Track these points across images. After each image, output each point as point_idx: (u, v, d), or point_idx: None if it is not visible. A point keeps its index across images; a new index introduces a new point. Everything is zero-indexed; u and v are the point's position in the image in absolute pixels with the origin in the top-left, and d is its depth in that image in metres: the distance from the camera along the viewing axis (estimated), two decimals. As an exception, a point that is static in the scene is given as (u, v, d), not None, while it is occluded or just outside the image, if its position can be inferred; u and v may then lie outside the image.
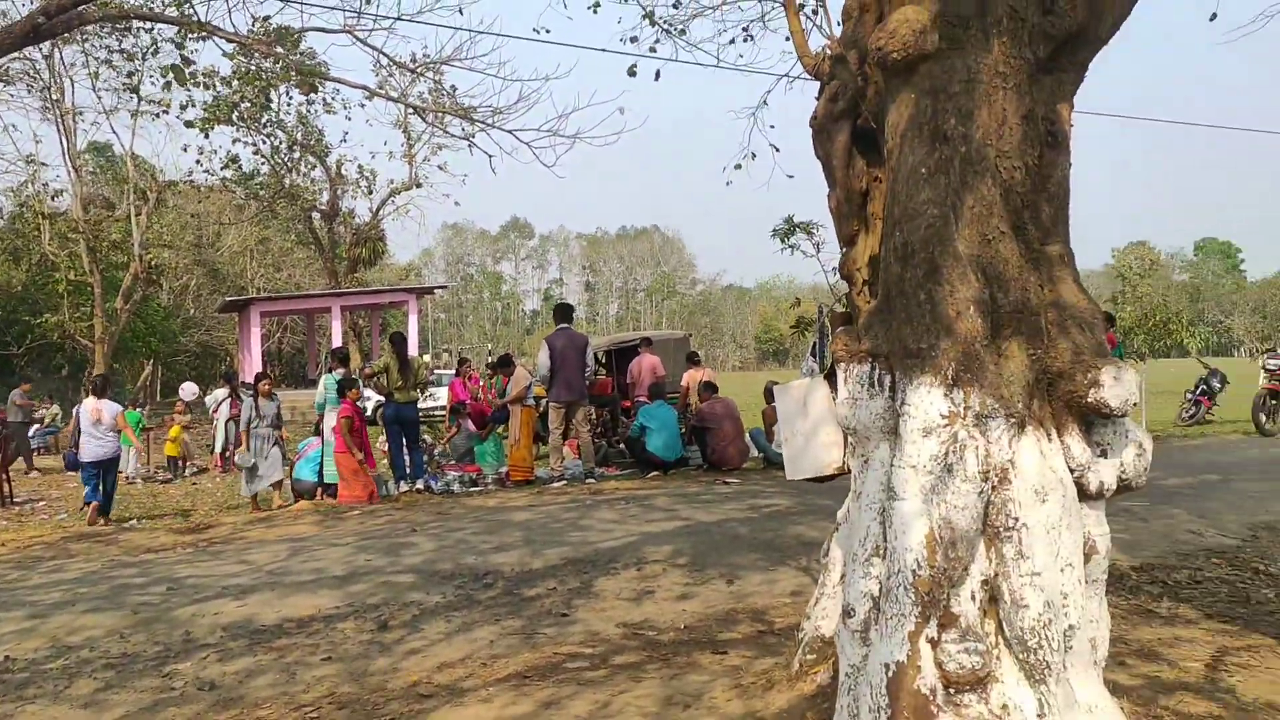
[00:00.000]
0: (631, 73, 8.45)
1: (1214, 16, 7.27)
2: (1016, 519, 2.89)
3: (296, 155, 23.65)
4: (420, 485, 11.26)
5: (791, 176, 8.65)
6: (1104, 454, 3.19)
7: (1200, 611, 5.42)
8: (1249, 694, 4.08)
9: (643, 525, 8.20)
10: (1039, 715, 2.78)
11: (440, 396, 18.74)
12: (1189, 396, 17.22)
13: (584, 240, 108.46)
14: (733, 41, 9.19)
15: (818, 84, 3.88)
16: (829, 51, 3.65)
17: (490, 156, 9.47)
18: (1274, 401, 14.46)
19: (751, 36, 9.06)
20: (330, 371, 11.57)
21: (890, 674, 2.84)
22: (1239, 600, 5.66)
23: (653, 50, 8.72)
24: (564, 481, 11.39)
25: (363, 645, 5.13)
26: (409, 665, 4.79)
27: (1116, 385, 3.03)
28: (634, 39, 8.66)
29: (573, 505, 9.51)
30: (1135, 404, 3.10)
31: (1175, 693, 4.07)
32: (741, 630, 5.22)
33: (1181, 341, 17.84)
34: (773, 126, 8.91)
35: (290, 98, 20.17)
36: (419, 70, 10.57)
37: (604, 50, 9.06)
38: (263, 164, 23.46)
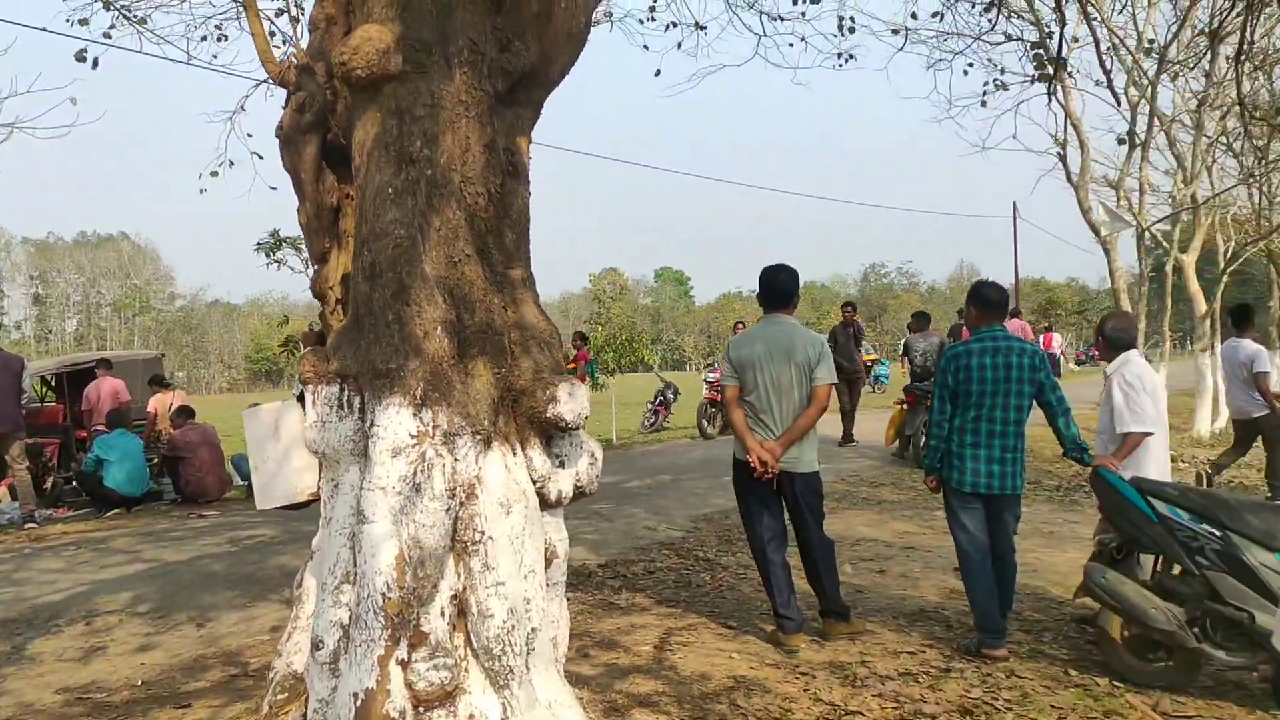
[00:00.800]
0: (80, 58, 7.42)
1: (658, 73, 8.36)
2: (483, 532, 3.00)
3: None
4: None
5: (275, 188, 8.22)
6: (562, 464, 3.43)
7: (652, 599, 6.11)
8: (687, 668, 4.68)
9: (97, 572, 7.19)
10: (503, 719, 2.90)
11: None
12: (649, 406, 19.49)
13: (32, 246, 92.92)
14: (204, 39, 8.53)
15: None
16: (295, 60, 3.51)
17: (-113, 137, 7.70)
18: (713, 409, 16.91)
19: (225, 36, 8.49)
20: None
21: (359, 703, 2.77)
22: (683, 585, 6.48)
23: (107, 36, 7.74)
24: (-5, 529, 9.60)
25: None
26: None
27: (571, 401, 3.27)
28: (84, 21, 7.63)
29: (6, 557, 8.04)
30: (588, 416, 3.39)
31: (629, 676, 4.53)
32: (211, 677, 4.80)
33: (644, 358, 20.15)
34: (250, 135, 8.38)
35: None
36: None
37: (45, 30, 7.83)
38: None
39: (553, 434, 3.40)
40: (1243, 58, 7.41)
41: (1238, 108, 8.23)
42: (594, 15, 8.35)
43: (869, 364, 31.19)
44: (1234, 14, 6.80)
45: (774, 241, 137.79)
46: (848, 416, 14.09)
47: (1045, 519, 8.52)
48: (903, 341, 14.87)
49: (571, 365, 14.43)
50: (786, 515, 5.18)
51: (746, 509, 5.15)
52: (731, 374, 5.10)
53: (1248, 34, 7.14)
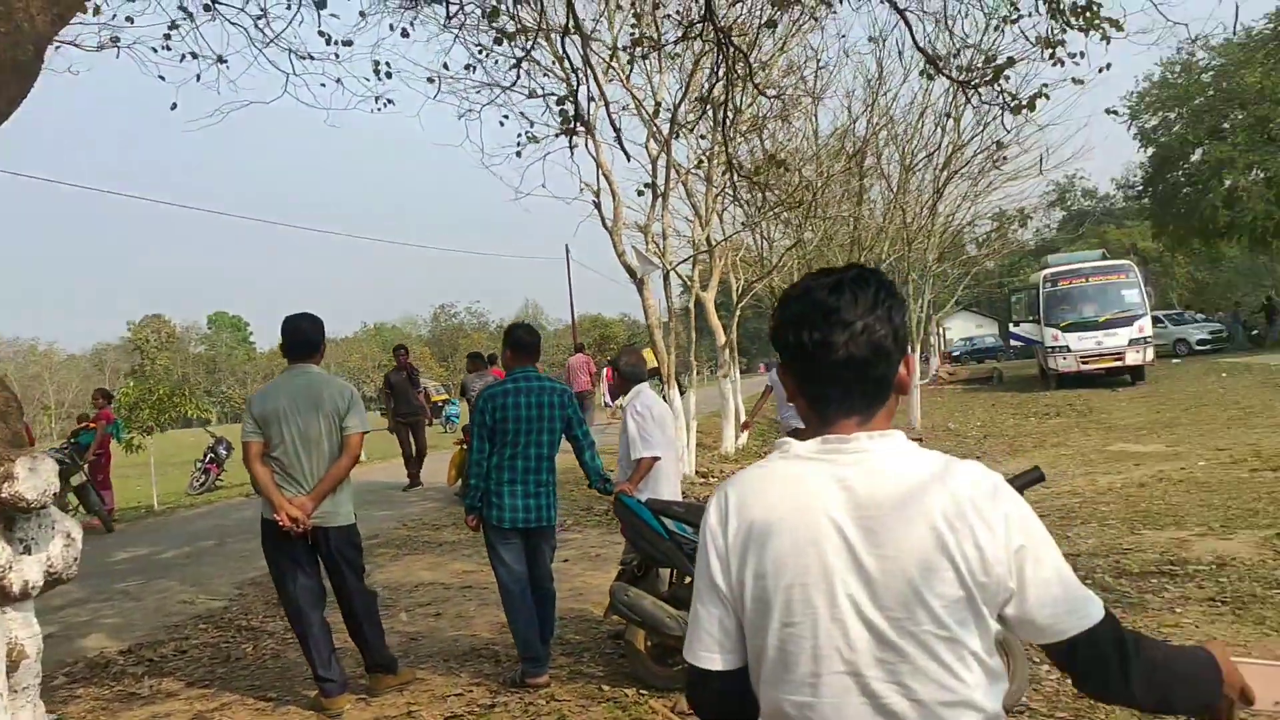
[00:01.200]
0: None
1: (174, 106, 7.72)
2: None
3: None
4: None
5: None
6: (29, 550, 2.99)
7: (183, 682, 5.54)
8: (215, 752, 4.28)
9: None
10: None
11: None
12: (199, 465, 17.83)
13: None
14: None
15: None
16: None
17: None
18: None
19: None
20: None
21: None
22: (220, 661, 5.95)
23: None
24: None
25: None
26: None
27: (33, 477, 2.87)
28: None
29: None
30: (54, 494, 2.98)
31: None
32: None
33: (188, 412, 18.34)
34: None
35: None
36: None
37: None
38: None
39: (15, 516, 2.95)
40: (728, 123, 8.59)
41: (730, 165, 9.49)
42: (99, 40, 7.52)
43: (440, 404, 31.35)
44: (719, 85, 7.82)
45: (342, 286, 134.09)
46: (412, 460, 13.97)
47: (594, 543, 9.08)
48: (460, 381, 15.11)
49: (92, 426, 12.74)
50: (324, 572, 4.97)
51: (278, 571, 4.85)
52: (255, 429, 4.79)
53: (731, 104, 8.30)
